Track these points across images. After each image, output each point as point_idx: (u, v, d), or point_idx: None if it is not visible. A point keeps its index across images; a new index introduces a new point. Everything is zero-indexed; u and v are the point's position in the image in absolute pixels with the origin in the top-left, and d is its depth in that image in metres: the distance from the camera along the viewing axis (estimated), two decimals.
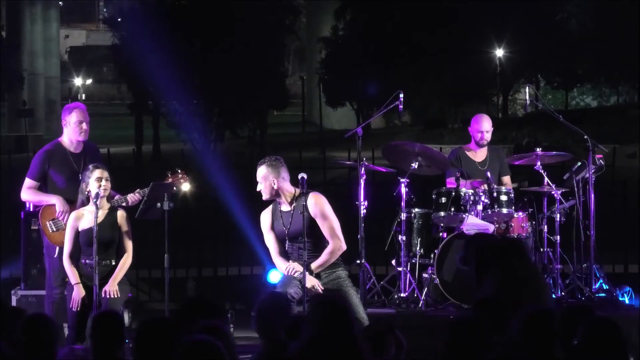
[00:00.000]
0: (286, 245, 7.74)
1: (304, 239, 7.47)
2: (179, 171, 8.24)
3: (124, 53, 39.36)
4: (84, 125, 8.24)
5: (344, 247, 7.73)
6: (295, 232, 7.60)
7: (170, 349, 4.82)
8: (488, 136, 9.60)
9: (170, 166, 8.40)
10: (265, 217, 7.82)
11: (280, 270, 7.74)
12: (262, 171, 7.69)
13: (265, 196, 7.71)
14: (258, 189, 7.72)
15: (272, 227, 7.77)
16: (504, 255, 6.77)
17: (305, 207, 7.57)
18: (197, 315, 5.41)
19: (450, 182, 9.48)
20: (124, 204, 8.04)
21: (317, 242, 7.65)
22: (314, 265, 7.61)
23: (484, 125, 9.58)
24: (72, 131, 8.26)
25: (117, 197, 8.09)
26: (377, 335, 5.55)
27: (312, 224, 7.62)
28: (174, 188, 8.13)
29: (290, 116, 54.24)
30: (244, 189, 12.56)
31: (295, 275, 7.54)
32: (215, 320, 5.28)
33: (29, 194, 8.27)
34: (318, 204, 7.64)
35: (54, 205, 8.11)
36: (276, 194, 7.69)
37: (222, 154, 31.13)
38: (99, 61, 63.23)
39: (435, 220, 9.35)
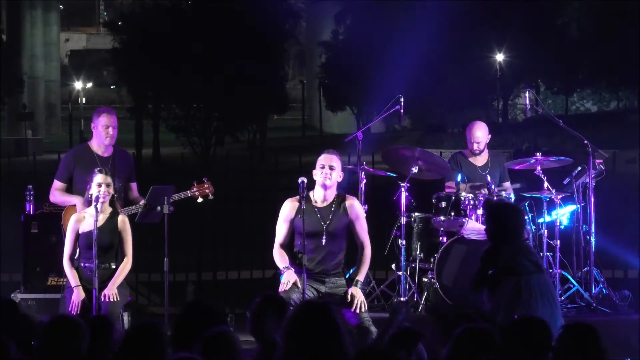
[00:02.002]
0: (322, 239, 7.58)
1: (310, 241, 7.43)
2: (205, 181, 8.29)
3: (124, 57, 39.40)
4: (110, 130, 8.36)
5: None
6: (334, 229, 7.58)
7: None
8: (481, 145, 9.61)
9: (191, 176, 8.43)
10: (289, 207, 7.70)
11: (277, 262, 7.69)
12: (338, 159, 7.75)
13: (327, 182, 7.64)
14: (327, 172, 7.63)
15: (293, 220, 7.67)
16: (522, 266, 6.79)
17: (345, 209, 7.67)
18: (198, 322, 5.38)
19: (449, 187, 9.49)
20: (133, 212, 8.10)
21: (348, 245, 7.76)
22: (360, 277, 7.61)
23: (476, 136, 9.58)
24: (98, 134, 8.41)
25: (142, 202, 8.17)
26: (403, 343, 5.54)
27: (349, 227, 7.69)
28: (199, 198, 8.22)
29: (290, 120, 54.24)
30: (244, 192, 12.56)
31: (288, 287, 7.45)
32: (220, 327, 5.23)
33: (55, 195, 8.40)
34: (359, 208, 7.78)
35: (76, 206, 8.16)
36: (331, 187, 7.69)
37: (222, 158, 31.10)
38: (99, 65, 63.26)
39: (435, 225, 9.35)
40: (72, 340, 5.08)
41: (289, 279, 7.48)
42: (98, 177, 7.84)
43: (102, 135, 8.36)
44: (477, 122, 9.82)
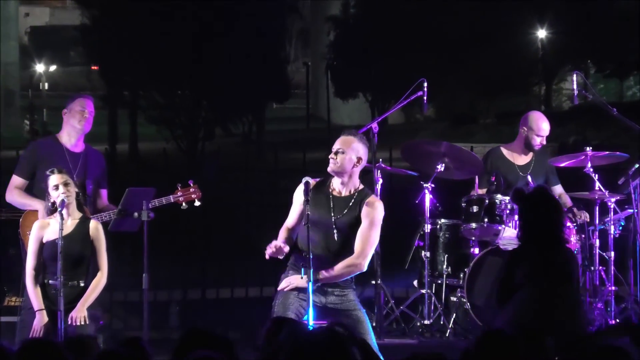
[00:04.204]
0: (330, 232, 7.42)
1: (305, 249, 7.40)
2: (191, 184, 8.30)
3: (96, 34, 39.44)
4: (87, 114, 8.43)
5: (364, 268, 7.57)
6: (343, 225, 7.43)
7: None
8: (545, 141, 9.58)
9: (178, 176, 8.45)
10: (302, 189, 7.57)
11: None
12: (353, 141, 7.49)
13: (334, 167, 7.47)
14: (332, 157, 7.44)
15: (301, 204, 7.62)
16: (538, 271, 6.80)
17: (361, 207, 7.42)
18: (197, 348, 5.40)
19: (480, 191, 9.47)
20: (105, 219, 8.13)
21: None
22: (320, 276, 7.33)
23: (543, 129, 9.49)
24: (71, 117, 8.45)
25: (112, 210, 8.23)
26: None
27: (357, 225, 7.46)
28: (183, 204, 8.24)
29: (293, 110, 54.30)
30: (238, 195, 12.57)
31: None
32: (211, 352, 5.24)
33: (13, 194, 8.41)
34: (377, 211, 7.48)
35: (37, 211, 8.15)
36: (343, 175, 7.50)
37: (211, 154, 31.15)
38: (66, 44, 63.31)
39: (465, 233, 9.35)
40: None
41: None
42: (52, 179, 7.77)
43: (77, 117, 8.41)
44: (540, 113, 9.74)
